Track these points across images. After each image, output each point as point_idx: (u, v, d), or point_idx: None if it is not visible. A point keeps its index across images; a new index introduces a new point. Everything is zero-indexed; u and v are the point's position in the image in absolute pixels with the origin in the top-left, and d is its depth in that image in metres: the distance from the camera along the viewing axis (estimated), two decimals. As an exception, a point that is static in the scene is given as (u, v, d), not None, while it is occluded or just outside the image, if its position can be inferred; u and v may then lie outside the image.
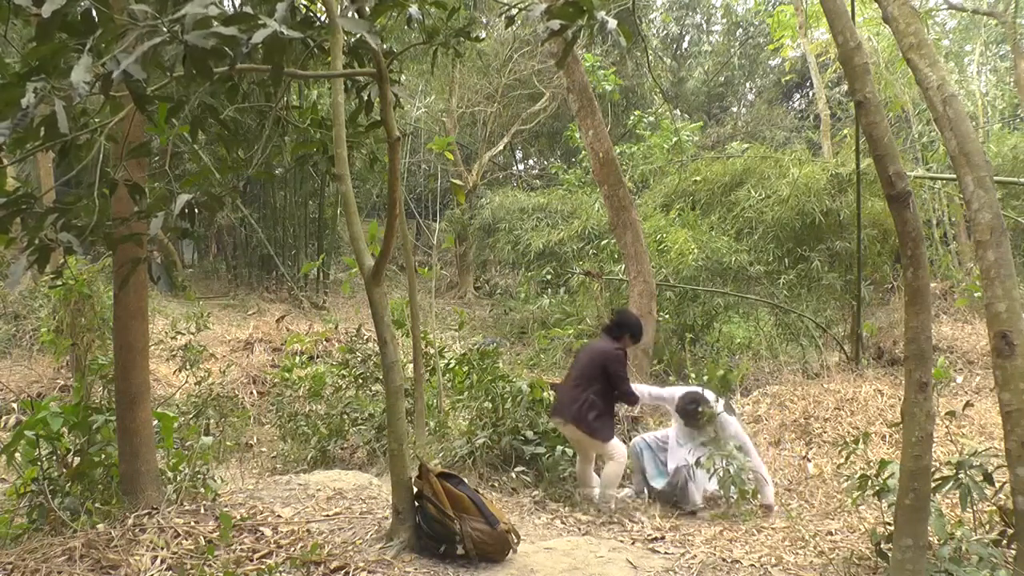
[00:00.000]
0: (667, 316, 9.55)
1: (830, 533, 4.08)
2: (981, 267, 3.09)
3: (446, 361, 6.96)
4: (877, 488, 3.45)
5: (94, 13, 2.19)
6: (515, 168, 24.87)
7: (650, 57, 13.67)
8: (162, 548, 3.17)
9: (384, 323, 3.46)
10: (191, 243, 17.90)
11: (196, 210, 2.77)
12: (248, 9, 2.91)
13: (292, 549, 3.30)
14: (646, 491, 5.21)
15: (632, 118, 15.90)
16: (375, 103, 3.77)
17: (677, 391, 5.37)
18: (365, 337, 7.42)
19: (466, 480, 3.73)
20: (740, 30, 23.89)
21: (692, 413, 5.07)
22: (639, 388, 5.27)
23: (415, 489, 3.48)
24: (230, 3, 6.62)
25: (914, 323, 2.86)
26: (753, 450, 5.12)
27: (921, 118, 14.12)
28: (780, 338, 9.76)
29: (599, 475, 5.04)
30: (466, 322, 10.01)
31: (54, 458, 3.65)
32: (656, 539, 4.01)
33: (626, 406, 5.67)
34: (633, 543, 3.92)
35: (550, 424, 5.31)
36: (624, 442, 5.32)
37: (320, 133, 4.28)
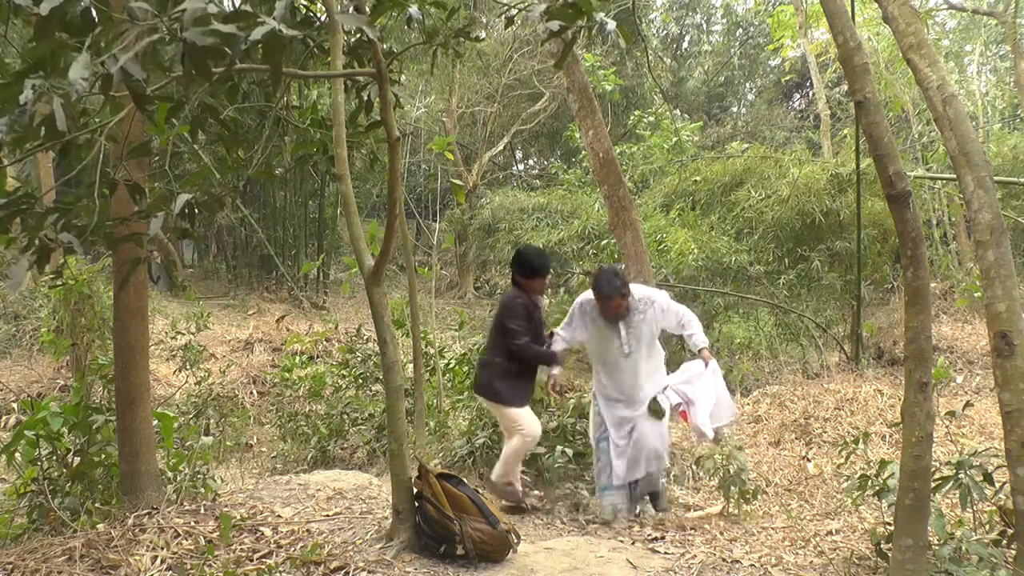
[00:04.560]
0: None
1: (830, 533, 4.08)
2: (981, 267, 3.09)
3: (446, 361, 6.97)
4: (877, 488, 3.45)
5: (93, 11, 2.19)
6: (515, 168, 24.86)
7: (650, 57, 13.68)
8: (162, 548, 3.17)
9: (384, 323, 3.46)
10: (191, 243, 17.89)
11: (196, 210, 2.77)
12: (247, 8, 2.91)
13: (292, 549, 3.30)
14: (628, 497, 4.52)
15: (632, 118, 15.90)
16: (375, 103, 3.77)
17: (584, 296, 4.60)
18: (365, 337, 7.43)
19: (466, 480, 3.73)
20: (740, 30, 23.87)
21: (612, 290, 4.27)
22: (558, 334, 4.58)
23: (415, 490, 3.48)
24: (229, 2, 6.63)
25: (914, 323, 2.86)
26: (696, 323, 4.52)
27: (921, 118, 14.10)
28: (780, 338, 9.76)
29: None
30: (466, 322, 10.02)
31: (54, 458, 3.65)
32: (656, 539, 4.00)
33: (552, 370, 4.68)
34: (633, 543, 3.92)
35: (551, 424, 5.29)
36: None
37: (320, 133, 4.28)
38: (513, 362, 4.46)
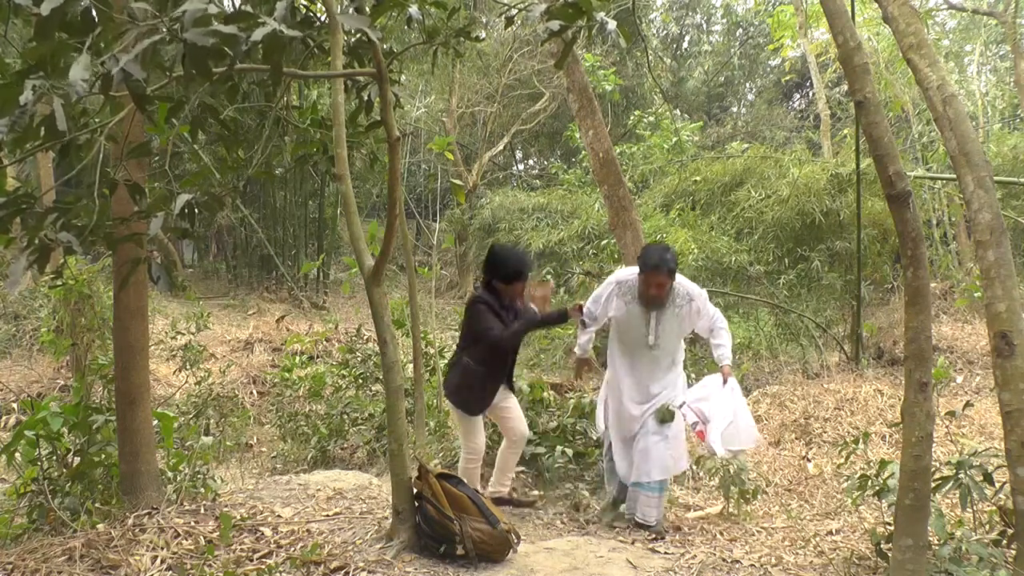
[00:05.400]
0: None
1: (830, 533, 4.08)
2: (981, 267, 3.09)
3: (446, 361, 6.96)
4: (877, 488, 3.45)
5: (93, 12, 2.19)
6: (515, 168, 24.86)
7: (650, 57, 13.68)
8: (162, 548, 3.17)
9: (384, 323, 3.46)
10: (191, 243, 17.90)
11: (196, 210, 2.77)
12: (248, 8, 2.92)
13: (292, 549, 3.30)
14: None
15: (632, 118, 15.91)
16: (375, 103, 3.77)
17: (623, 272, 4.33)
18: (365, 337, 7.43)
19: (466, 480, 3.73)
20: (740, 30, 23.87)
21: (661, 263, 3.97)
22: (587, 308, 4.29)
23: (415, 490, 3.49)
24: (230, 3, 6.64)
25: (914, 323, 2.86)
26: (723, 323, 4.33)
27: (921, 118, 14.09)
28: (780, 338, 9.76)
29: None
30: (466, 322, 10.00)
31: (54, 458, 3.65)
32: (656, 539, 4.00)
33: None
34: (633, 543, 3.92)
35: (551, 424, 5.29)
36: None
37: (320, 133, 4.29)
38: (482, 365, 4.21)
